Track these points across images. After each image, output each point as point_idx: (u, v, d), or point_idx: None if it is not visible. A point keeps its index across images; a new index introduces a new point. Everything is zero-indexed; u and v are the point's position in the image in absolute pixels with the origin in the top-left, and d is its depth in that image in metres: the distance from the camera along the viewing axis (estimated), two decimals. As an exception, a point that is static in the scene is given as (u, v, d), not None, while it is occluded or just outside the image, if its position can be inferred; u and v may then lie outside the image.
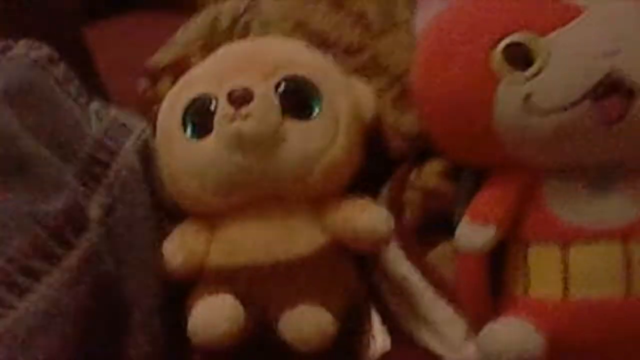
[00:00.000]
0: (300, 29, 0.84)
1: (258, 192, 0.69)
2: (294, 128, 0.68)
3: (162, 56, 0.87)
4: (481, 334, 0.65)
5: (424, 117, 0.69)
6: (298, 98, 0.70)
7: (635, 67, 0.61)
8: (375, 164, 0.79)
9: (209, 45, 0.84)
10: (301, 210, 0.70)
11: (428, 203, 0.77)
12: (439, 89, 0.65)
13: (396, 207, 0.77)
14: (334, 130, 0.70)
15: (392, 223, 0.70)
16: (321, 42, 0.81)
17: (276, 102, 0.68)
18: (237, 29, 0.85)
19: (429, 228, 0.77)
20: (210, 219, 0.71)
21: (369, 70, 0.81)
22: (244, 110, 0.67)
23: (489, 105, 0.63)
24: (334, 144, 0.70)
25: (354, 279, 0.71)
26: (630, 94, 0.61)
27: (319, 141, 0.69)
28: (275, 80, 0.69)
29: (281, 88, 0.69)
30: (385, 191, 0.79)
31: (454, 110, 0.65)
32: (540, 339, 0.62)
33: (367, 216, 0.70)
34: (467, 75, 0.64)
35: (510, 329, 0.63)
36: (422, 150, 0.76)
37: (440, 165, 0.76)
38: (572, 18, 0.62)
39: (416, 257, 0.75)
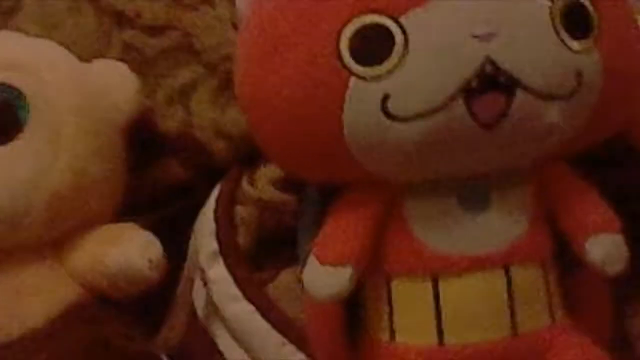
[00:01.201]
0: (92, 4, 0.67)
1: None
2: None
3: None
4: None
5: (251, 126, 0.54)
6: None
7: (516, 53, 0.47)
8: (188, 175, 0.64)
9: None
10: (37, 261, 0.55)
11: (265, 218, 0.62)
12: (271, 91, 0.50)
13: (227, 226, 0.62)
14: (51, 149, 0.54)
15: (157, 253, 0.56)
16: (114, 19, 0.65)
17: None
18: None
19: (267, 248, 0.63)
20: None
21: (177, 55, 0.65)
22: None
23: (336, 110, 0.48)
24: (53, 166, 0.54)
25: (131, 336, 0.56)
26: (510, 88, 0.47)
27: (29, 167, 0.54)
28: None
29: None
30: (208, 208, 0.63)
31: (291, 118, 0.50)
32: None
33: (119, 250, 0.55)
34: (307, 75, 0.49)
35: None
36: (251, 153, 0.62)
37: (277, 170, 0.62)
38: (433, -8, 0.48)
39: (254, 291, 0.61)
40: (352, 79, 0.48)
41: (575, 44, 0.49)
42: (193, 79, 0.64)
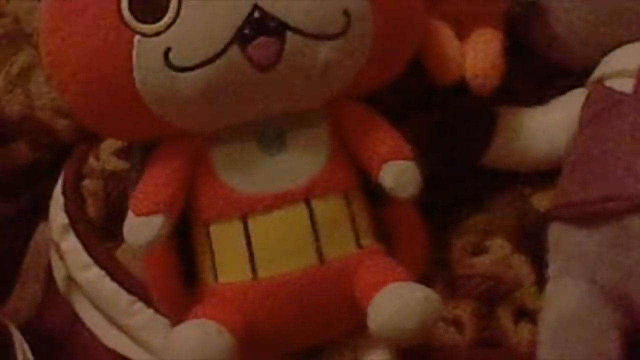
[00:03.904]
0: None
1: None
2: None
3: None
4: (164, 341, 0.55)
5: (59, 91, 0.56)
6: None
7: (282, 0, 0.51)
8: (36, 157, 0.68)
9: None
10: None
11: (110, 188, 0.66)
12: (67, 57, 0.53)
13: (75, 199, 0.65)
14: None
15: None
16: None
17: None
18: None
19: (117, 216, 0.66)
20: None
21: (12, 41, 0.67)
22: None
23: (126, 68, 0.52)
24: None
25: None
26: (280, 31, 0.51)
27: None
28: None
29: None
30: (59, 184, 0.67)
31: (89, 77, 0.53)
32: (226, 341, 0.52)
33: None
34: (95, 38, 0.52)
35: (190, 334, 0.53)
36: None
37: (115, 143, 0.65)
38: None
39: (103, 256, 0.64)
40: (136, 37, 0.51)
41: (342, -14, 0.52)
42: (29, 62, 0.67)
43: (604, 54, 0.59)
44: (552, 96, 0.62)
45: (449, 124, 0.62)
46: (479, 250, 0.61)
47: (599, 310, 0.54)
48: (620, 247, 0.53)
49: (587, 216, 0.54)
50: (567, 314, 0.54)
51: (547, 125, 0.61)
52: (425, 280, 0.59)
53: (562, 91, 0.62)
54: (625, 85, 0.56)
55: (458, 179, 0.64)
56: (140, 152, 0.59)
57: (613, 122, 0.55)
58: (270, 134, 0.55)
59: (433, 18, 0.59)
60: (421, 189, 0.57)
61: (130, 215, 0.55)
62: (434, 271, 0.62)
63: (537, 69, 0.64)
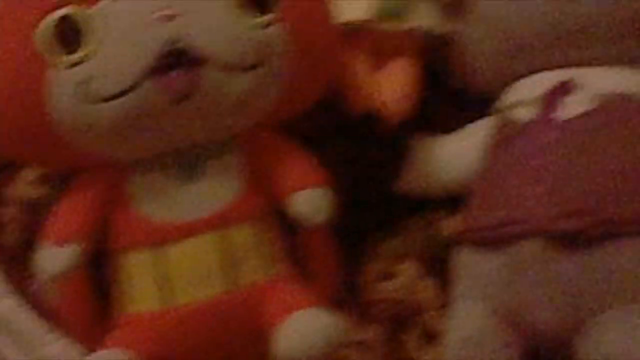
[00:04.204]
0: None
1: None
2: None
3: None
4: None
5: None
6: None
7: (196, 30, 0.52)
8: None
9: None
10: None
11: (29, 217, 0.66)
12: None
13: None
14: None
15: None
16: None
17: None
18: None
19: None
20: None
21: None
22: None
23: (42, 95, 0.52)
24: None
25: None
26: (196, 63, 0.52)
27: None
28: None
29: None
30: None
31: (4, 106, 0.54)
32: None
33: None
34: (13, 64, 0.53)
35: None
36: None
37: (35, 171, 0.65)
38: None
39: (19, 285, 0.63)
40: (52, 68, 0.52)
41: (256, 19, 0.54)
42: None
43: (511, 83, 0.61)
44: (466, 124, 0.65)
45: (364, 152, 0.64)
46: (388, 274, 0.64)
47: (498, 331, 0.56)
48: (516, 270, 0.55)
49: (487, 241, 0.57)
50: (468, 336, 0.56)
51: (457, 153, 0.63)
52: (337, 305, 0.62)
53: (475, 119, 0.64)
54: (526, 115, 0.58)
55: (372, 205, 0.66)
56: (59, 181, 0.60)
57: (510, 150, 0.58)
58: (186, 164, 0.56)
59: (348, 49, 0.61)
60: (336, 214, 0.59)
61: (43, 243, 0.56)
62: (346, 296, 0.63)
63: (452, 98, 0.66)
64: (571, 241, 0.54)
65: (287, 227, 0.60)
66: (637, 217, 0.54)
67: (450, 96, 0.66)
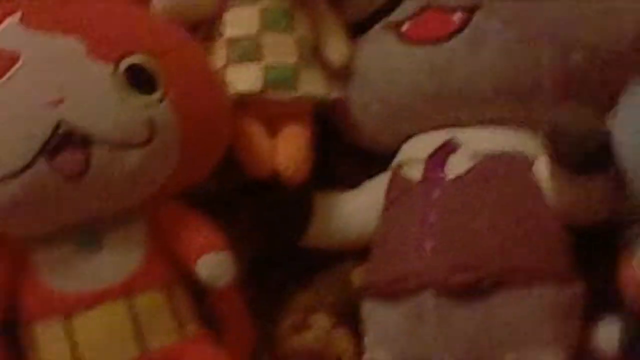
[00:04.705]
0: None
1: None
2: None
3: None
4: None
5: None
6: None
7: (84, 113, 0.54)
8: None
9: None
10: None
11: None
12: None
13: None
14: None
15: None
16: None
17: None
18: None
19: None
20: None
21: None
22: None
23: None
24: None
25: None
26: (85, 143, 0.54)
27: None
28: None
29: None
30: None
31: None
32: None
33: None
34: None
35: None
36: None
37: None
38: (8, 69, 0.54)
39: None
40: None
41: (141, 98, 0.56)
42: None
43: (403, 141, 0.63)
44: (370, 178, 0.66)
45: (269, 211, 0.66)
46: (303, 326, 0.65)
47: None
48: (417, 320, 0.57)
49: (388, 293, 0.59)
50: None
51: (358, 208, 0.65)
52: (254, 358, 0.64)
53: (376, 174, 0.66)
54: (416, 173, 0.61)
55: (287, 260, 0.68)
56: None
57: (405, 207, 0.60)
58: (87, 236, 0.58)
59: (243, 116, 0.63)
60: (251, 270, 0.61)
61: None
62: (262, 349, 0.65)
63: (353, 155, 0.68)
64: (463, 293, 0.56)
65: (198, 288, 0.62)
66: (519, 268, 0.56)
67: (353, 152, 0.68)
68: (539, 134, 0.58)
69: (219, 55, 0.63)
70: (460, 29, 0.60)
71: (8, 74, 0.54)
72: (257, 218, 0.66)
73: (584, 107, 0.55)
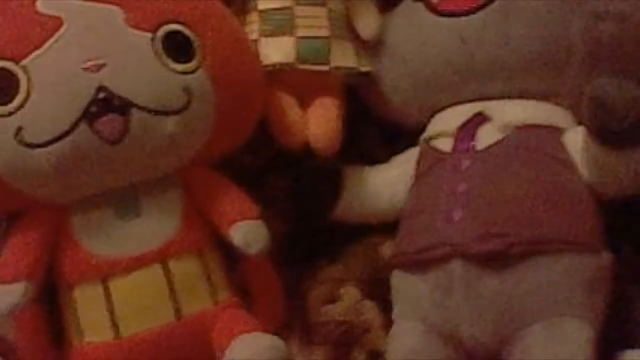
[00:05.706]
0: None
1: None
2: None
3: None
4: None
5: None
6: None
7: (124, 79, 0.56)
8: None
9: None
10: None
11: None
12: None
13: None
14: None
15: None
16: None
17: None
18: None
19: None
20: None
21: None
22: None
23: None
24: None
25: None
26: (125, 108, 0.56)
27: None
28: None
29: None
30: None
31: None
32: None
33: None
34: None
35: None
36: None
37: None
38: (51, 35, 0.56)
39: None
40: (-12, 117, 0.56)
41: (179, 66, 0.57)
42: None
43: (432, 115, 0.64)
44: (396, 154, 0.68)
45: (300, 184, 0.67)
46: (332, 298, 0.66)
47: (433, 348, 0.59)
48: (446, 289, 0.58)
49: (418, 263, 0.60)
50: (405, 353, 0.59)
51: (388, 182, 0.66)
52: (284, 328, 0.65)
53: (405, 149, 0.67)
54: (446, 145, 0.62)
55: (314, 233, 0.69)
56: (4, 223, 0.62)
57: (434, 178, 0.61)
58: (125, 202, 0.59)
59: (276, 88, 0.64)
60: (281, 243, 0.62)
61: (-7, 283, 0.59)
62: (293, 319, 0.66)
63: (382, 130, 0.70)
64: (491, 262, 0.57)
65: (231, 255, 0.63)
66: (548, 236, 0.57)
67: (382, 128, 0.69)
68: (571, 105, 0.59)
69: (252, 28, 0.64)
70: (490, 1, 0.61)
71: (52, 40, 0.56)
72: (288, 191, 0.67)
73: (628, 78, 0.55)
